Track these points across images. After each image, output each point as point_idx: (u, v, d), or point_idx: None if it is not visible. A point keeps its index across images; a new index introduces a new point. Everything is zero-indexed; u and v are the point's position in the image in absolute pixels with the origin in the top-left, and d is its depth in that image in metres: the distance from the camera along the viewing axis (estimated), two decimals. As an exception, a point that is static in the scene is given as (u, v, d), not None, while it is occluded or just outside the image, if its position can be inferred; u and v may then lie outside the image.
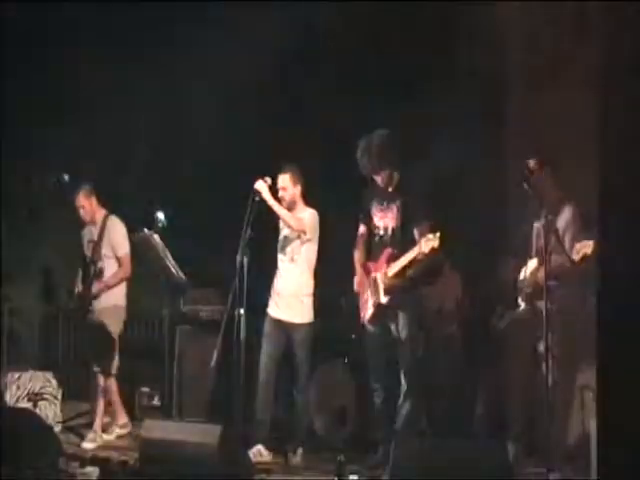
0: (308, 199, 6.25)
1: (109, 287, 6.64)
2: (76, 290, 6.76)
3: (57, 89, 7.95)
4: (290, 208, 6.12)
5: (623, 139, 3.19)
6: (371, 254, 5.93)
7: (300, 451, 6.05)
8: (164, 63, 7.66)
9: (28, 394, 6.96)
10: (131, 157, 8.17)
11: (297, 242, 6.12)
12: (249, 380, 5.89)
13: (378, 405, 5.88)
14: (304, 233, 6.07)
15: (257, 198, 5.90)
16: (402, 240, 5.73)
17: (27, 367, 7.18)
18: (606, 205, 3.21)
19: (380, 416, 5.91)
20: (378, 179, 5.83)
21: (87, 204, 6.76)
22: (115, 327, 6.71)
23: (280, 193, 6.12)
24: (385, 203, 5.85)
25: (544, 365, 4.96)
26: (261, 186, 5.94)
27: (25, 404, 6.89)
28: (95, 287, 6.63)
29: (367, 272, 5.91)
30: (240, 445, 5.10)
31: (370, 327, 5.91)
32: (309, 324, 6.15)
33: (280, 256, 6.22)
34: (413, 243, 5.61)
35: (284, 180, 6.15)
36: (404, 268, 5.63)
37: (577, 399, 5.28)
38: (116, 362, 6.70)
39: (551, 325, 5.01)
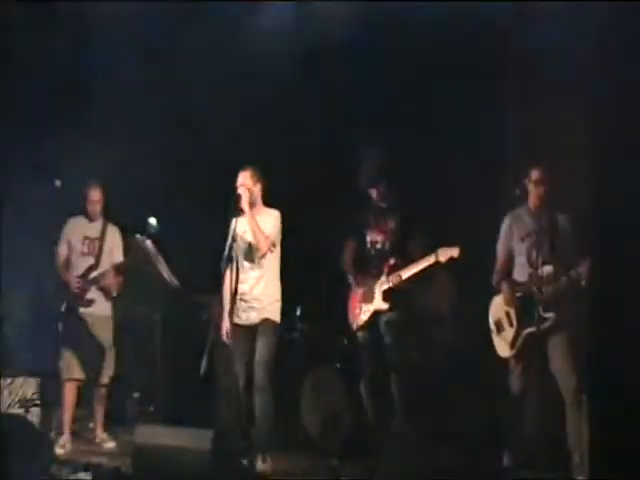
0: (268, 199, 6.11)
1: (107, 294, 6.67)
2: (73, 281, 6.72)
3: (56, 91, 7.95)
4: (250, 206, 5.92)
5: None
6: (365, 266, 5.99)
7: (266, 459, 5.74)
8: (161, 69, 7.68)
9: (20, 400, 6.94)
10: (124, 163, 8.15)
11: (264, 245, 5.89)
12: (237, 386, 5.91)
13: (369, 411, 5.91)
14: (274, 246, 5.92)
15: (239, 205, 5.81)
16: (401, 252, 5.82)
17: (19, 373, 7.15)
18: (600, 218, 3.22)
19: (372, 422, 5.93)
20: (374, 193, 5.90)
21: (101, 200, 6.82)
22: (106, 338, 6.74)
23: (240, 190, 5.93)
24: (382, 220, 5.93)
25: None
26: (243, 193, 5.86)
27: (17, 410, 6.87)
28: (93, 290, 6.67)
29: (362, 281, 5.97)
30: (233, 450, 5.10)
31: (362, 334, 5.94)
32: (274, 322, 5.92)
33: (243, 261, 5.97)
34: (411, 256, 5.77)
35: (244, 177, 5.99)
36: (416, 274, 5.72)
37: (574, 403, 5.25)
38: (107, 373, 6.74)
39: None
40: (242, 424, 5.86)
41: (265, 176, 6.07)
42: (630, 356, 3.57)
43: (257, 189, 6.01)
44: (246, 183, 5.96)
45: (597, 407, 4.60)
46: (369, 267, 6.00)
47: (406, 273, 5.75)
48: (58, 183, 6.90)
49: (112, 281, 6.72)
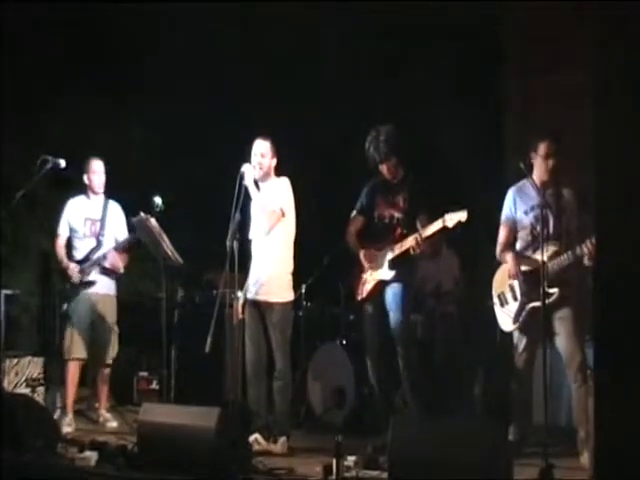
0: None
1: (111, 273, 6.66)
2: (70, 267, 6.68)
3: (54, 74, 7.93)
4: (262, 179, 5.86)
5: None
6: (371, 238, 5.94)
7: (282, 440, 5.73)
8: (159, 51, 7.66)
9: (26, 380, 6.97)
10: (128, 142, 8.15)
11: (272, 218, 5.81)
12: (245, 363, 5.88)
13: (374, 385, 5.91)
14: (283, 215, 5.82)
15: (244, 181, 5.70)
16: (409, 226, 5.75)
17: (25, 353, 7.18)
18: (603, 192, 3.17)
19: (377, 396, 5.94)
20: (384, 169, 5.83)
21: (103, 173, 6.74)
22: (110, 317, 6.74)
23: (257, 159, 5.82)
24: (391, 196, 5.86)
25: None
26: (247, 169, 5.74)
27: (23, 390, 6.91)
28: (95, 272, 6.65)
29: (366, 252, 5.91)
30: (238, 428, 5.10)
31: (367, 304, 5.91)
32: (286, 303, 5.86)
33: (253, 233, 5.92)
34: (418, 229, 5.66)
35: (264, 147, 5.86)
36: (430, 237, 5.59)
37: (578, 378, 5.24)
38: (111, 353, 6.74)
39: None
40: (255, 405, 5.83)
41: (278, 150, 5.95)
42: (635, 331, 3.54)
43: (273, 162, 5.90)
44: (265, 153, 5.85)
45: (602, 382, 4.58)
46: (375, 240, 5.94)
47: (412, 241, 5.62)
48: (62, 162, 6.89)
49: (116, 259, 6.70)
